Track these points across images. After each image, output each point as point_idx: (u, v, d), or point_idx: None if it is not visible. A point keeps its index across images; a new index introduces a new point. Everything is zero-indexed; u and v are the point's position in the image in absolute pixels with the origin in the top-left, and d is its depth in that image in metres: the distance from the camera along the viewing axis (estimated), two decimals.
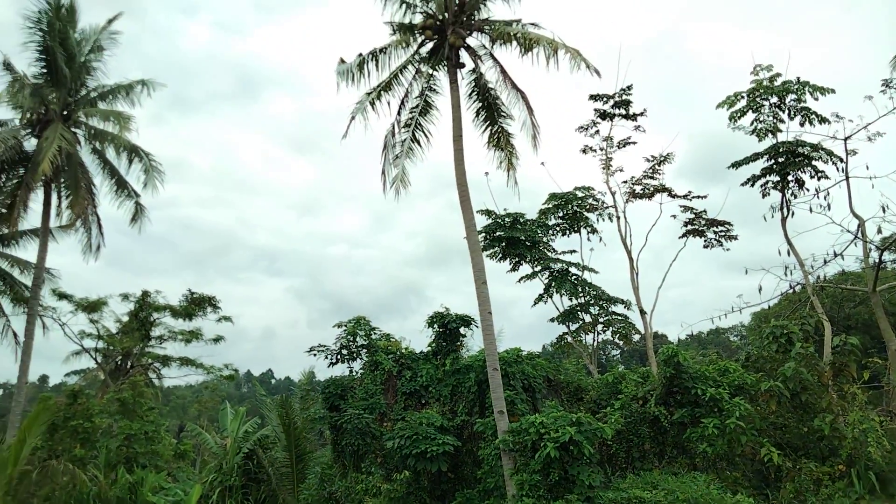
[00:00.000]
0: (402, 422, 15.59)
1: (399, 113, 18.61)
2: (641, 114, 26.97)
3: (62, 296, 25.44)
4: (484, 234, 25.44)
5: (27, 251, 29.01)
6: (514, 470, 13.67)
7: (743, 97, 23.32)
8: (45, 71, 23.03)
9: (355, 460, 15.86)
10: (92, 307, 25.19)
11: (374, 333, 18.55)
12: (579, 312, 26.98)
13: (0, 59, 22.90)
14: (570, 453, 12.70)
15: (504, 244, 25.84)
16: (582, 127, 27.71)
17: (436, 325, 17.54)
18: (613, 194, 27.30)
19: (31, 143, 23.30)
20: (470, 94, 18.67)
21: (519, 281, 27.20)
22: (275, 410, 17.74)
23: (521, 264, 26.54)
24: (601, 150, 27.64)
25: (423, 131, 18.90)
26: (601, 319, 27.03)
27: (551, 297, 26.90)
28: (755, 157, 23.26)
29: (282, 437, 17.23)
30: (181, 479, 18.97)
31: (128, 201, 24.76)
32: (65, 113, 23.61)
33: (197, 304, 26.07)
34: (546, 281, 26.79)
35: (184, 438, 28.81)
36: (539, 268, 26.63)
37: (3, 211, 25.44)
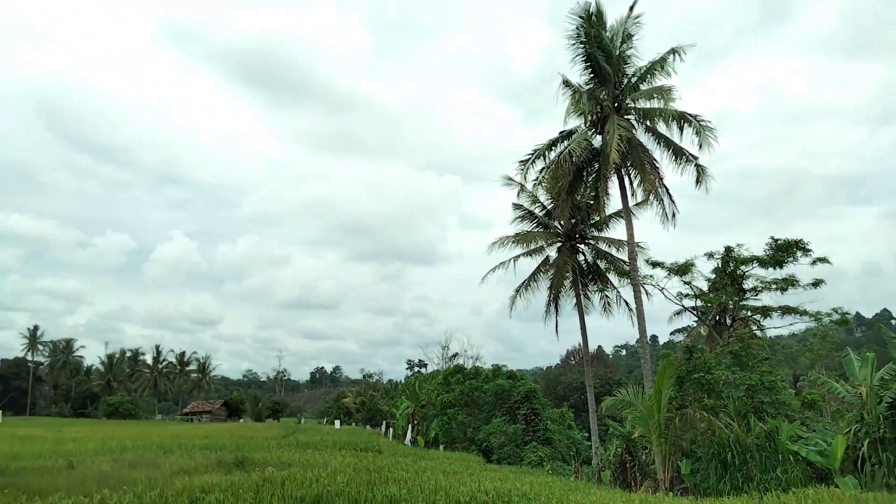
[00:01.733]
0: None
1: None
2: None
3: (655, 264, 28.18)
4: None
5: (616, 231, 33.85)
6: None
7: None
8: (592, 75, 26.45)
9: None
10: (682, 270, 26.98)
11: None
12: None
13: (559, 80, 27.54)
14: None
15: None
16: None
17: None
18: None
19: (596, 141, 27.08)
20: None
21: None
22: None
23: None
24: None
25: None
26: None
27: None
28: None
29: None
30: (816, 430, 18.13)
31: (687, 166, 25.75)
32: (616, 105, 26.44)
33: (783, 251, 24.70)
34: None
35: (802, 388, 27.63)
36: None
37: (591, 203, 30.33)
